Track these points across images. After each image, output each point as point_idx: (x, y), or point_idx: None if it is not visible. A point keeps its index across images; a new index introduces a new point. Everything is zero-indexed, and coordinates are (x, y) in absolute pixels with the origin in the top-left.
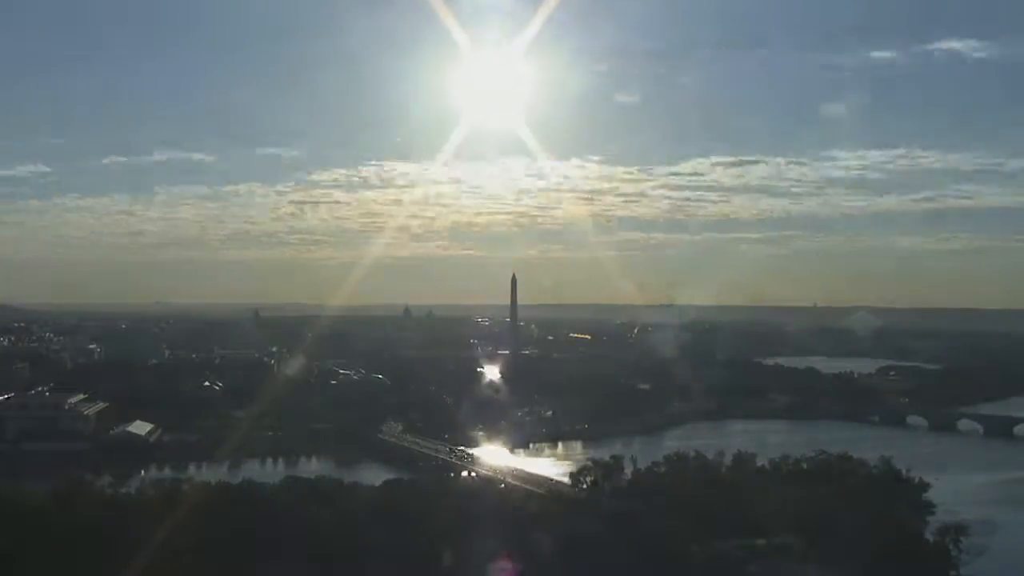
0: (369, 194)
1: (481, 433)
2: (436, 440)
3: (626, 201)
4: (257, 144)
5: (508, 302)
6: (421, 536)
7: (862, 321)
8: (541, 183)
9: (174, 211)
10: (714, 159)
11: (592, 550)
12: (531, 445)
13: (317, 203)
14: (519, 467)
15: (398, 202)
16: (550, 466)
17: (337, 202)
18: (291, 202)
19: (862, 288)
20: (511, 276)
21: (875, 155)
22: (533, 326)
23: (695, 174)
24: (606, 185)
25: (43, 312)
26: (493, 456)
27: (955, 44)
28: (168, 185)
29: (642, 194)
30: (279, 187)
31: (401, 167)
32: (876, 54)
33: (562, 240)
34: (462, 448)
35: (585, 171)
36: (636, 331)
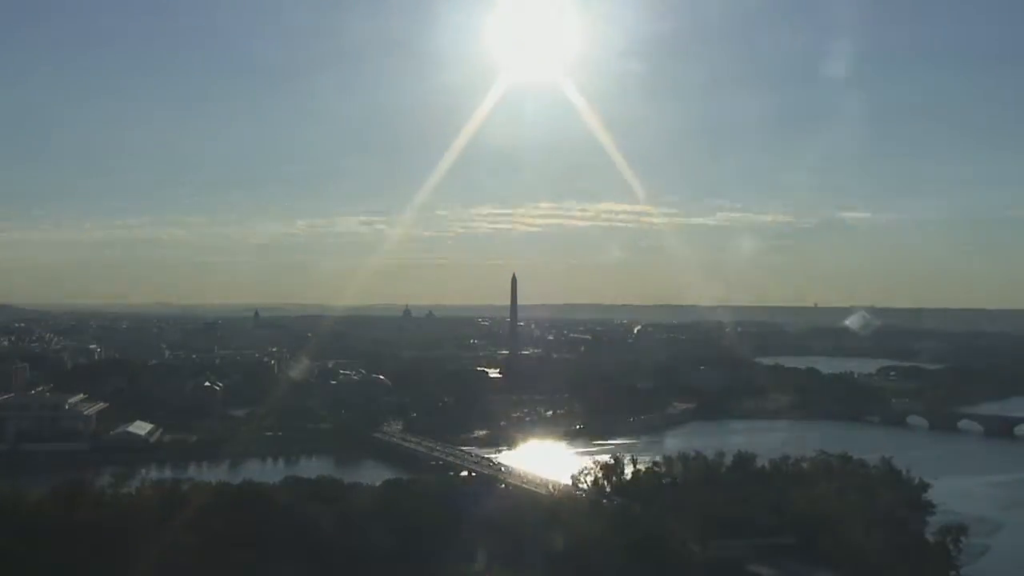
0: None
1: (482, 433)
2: (436, 440)
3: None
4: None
5: (508, 302)
6: (421, 536)
7: (862, 321)
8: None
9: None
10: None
11: (592, 550)
12: (530, 445)
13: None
14: (519, 467)
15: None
16: (550, 466)
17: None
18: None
19: (862, 288)
20: (511, 276)
21: None
22: (533, 326)
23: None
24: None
25: (43, 312)
26: (492, 457)
27: None
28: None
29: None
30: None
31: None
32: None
33: (564, 240)
34: (463, 449)
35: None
36: (636, 331)
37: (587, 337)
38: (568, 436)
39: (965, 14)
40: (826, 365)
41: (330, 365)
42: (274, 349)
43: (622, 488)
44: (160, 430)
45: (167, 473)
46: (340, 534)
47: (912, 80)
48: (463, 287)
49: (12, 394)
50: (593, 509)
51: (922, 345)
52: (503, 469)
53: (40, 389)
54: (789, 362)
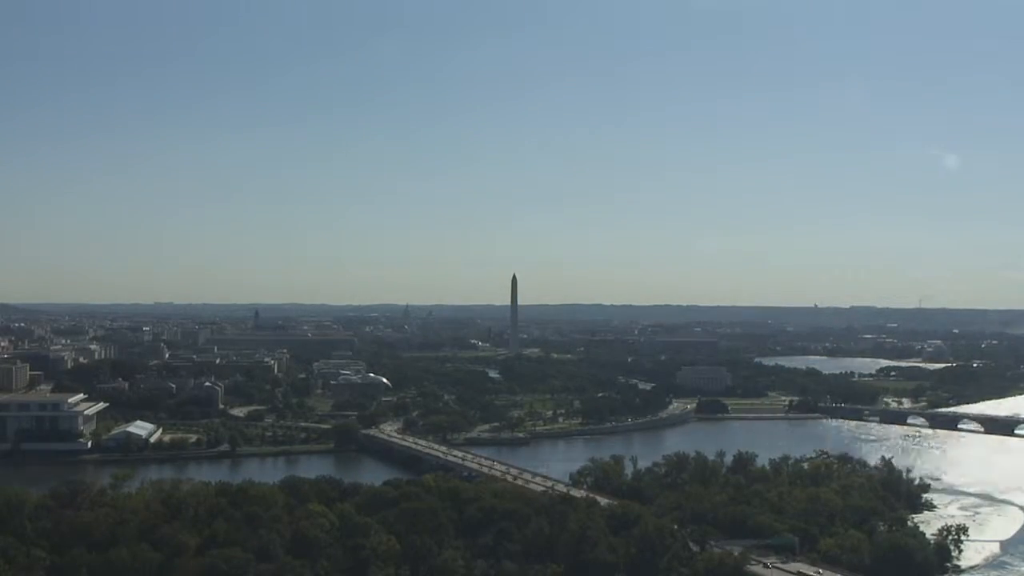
0: None
1: (482, 432)
2: (436, 439)
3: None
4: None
5: (508, 302)
6: (421, 535)
7: (861, 321)
8: None
9: None
10: None
11: (592, 549)
12: (530, 444)
13: None
14: (519, 466)
15: None
16: (550, 466)
17: None
18: None
19: (862, 288)
20: (511, 276)
21: None
22: (533, 326)
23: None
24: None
25: (43, 312)
26: (492, 456)
27: None
28: None
29: None
30: None
31: None
32: None
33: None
34: (462, 448)
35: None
36: (637, 331)
37: (587, 337)
38: (568, 436)
39: None
40: (826, 365)
41: (330, 365)
42: (274, 349)
43: (622, 488)
44: (160, 430)
45: (167, 473)
46: (340, 534)
47: None
48: (463, 287)
49: (12, 394)
50: (593, 508)
51: (922, 345)
52: (503, 468)
53: (40, 389)
54: (789, 362)
